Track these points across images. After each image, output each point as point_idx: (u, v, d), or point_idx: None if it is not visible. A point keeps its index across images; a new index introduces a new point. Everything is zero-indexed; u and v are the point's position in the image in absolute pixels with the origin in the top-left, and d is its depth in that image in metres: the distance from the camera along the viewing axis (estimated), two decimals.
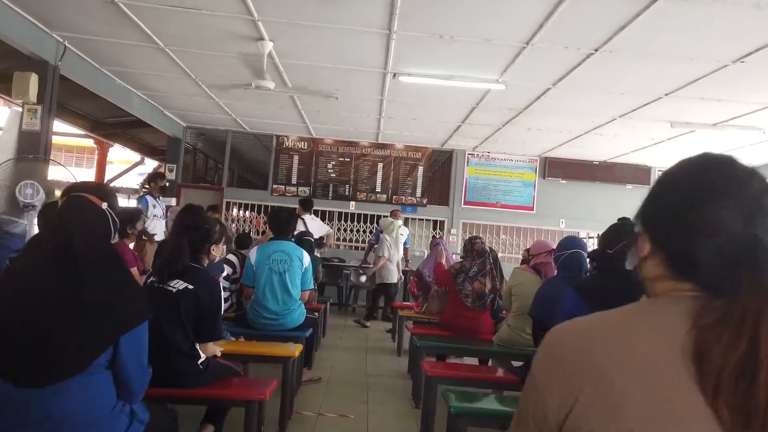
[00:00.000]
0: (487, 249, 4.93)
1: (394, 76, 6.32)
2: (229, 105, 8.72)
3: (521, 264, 4.97)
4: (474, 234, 5.66)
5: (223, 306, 4.75)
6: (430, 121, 8.70)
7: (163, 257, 2.66)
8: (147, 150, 13.68)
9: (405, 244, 9.19)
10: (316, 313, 5.38)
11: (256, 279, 4.17)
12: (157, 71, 7.14)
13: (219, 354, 2.93)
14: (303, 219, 7.50)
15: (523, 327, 4.03)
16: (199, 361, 2.69)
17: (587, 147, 9.72)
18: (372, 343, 7.12)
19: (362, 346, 6.76)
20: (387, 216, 9.36)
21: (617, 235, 2.72)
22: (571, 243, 3.59)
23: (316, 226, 7.99)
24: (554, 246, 4.25)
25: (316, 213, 10.65)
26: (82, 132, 12.12)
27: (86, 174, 16.77)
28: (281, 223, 4.39)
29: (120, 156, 16.71)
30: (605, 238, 2.80)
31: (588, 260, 3.60)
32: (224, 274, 4.65)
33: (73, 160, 20.30)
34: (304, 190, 10.81)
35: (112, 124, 10.91)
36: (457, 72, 6.16)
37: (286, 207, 4.79)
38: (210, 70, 6.83)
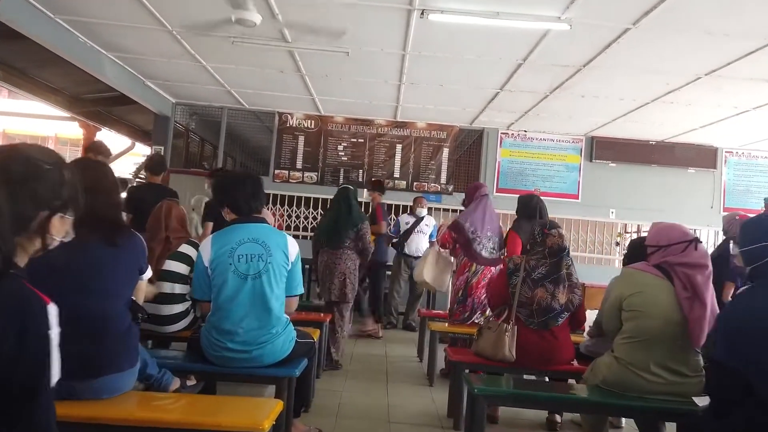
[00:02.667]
0: (566, 246, 3.40)
1: (422, 13, 4.80)
2: (219, 70, 7.26)
3: (626, 261, 3.37)
4: (545, 220, 4.01)
5: (177, 326, 3.29)
6: (462, 89, 7.15)
7: None
8: (139, 134, 12.30)
9: (431, 237, 7.66)
10: (314, 339, 3.25)
11: (213, 288, 2.63)
12: (119, 20, 5.69)
13: None
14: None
15: (644, 361, 2.52)
16: None
17: (646, 122, 8.11)
18: (392, 363, 5.55)
19: (379, 369, 5.18)
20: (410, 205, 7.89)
21: None
22: (764, 229, 2.06)
23: None
24: (690, 232, 2.72)
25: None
26: (64, 114, 10.78)
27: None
28: (247, 195, 2.73)
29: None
30: None
31: None
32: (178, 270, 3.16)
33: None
34: (311, 176, 9.33)
35: (92, 101, 9.51)
36: (506, 6, 4.63)
37: (244, 172, 3.15)
38: (179, 8, 5.36)
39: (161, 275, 3.25)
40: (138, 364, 2.18)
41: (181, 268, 3.29)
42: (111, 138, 14.47)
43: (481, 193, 5.05)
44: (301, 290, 2.80)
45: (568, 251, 3.39)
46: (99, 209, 1.94)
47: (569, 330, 3.32)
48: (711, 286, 2.60)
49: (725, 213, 5.88)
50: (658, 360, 2.53)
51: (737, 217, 5.40)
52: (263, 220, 2.73)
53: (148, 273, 2.34)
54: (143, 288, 2.42)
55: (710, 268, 2.62)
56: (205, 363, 2.68)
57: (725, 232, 5.63)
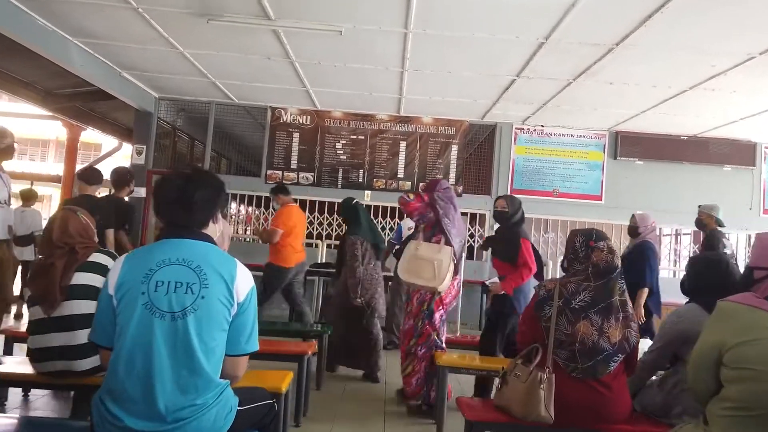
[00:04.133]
0: (617, 264, 2.54)
1: None
2: (199, 58, 6.45)
3: (689, 289, 2.50)
4: (585, 228, 3.00)
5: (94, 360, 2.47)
6: (473, 76, 6.30)
7: None
8: (126, 134, 11.53)
9: None
10: (274, 396, 2.31)
11: (118, 329, 1.76)
12: None
13: None
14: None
15: None
16: None
17: (679, 114, 7.23)
18: (393, 399, 4.39)
19: (376, 411, 4.06)
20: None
21: None
22: None
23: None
24: None
25: (321, 205, 8.37)
26: (44, 112, 10.04)
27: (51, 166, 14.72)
28: (173, 200, 1.86)
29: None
30: None
31: None
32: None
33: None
34: (307, 177, 8.51)
35: (68, 96, 8.74)
36: None
37: (195, 168, 2.27)
38: None
39: (70, 292, 2.47)
40: None
41: (96, 279, 2.49)
42: (96, 137, 13.73)
43: (441, 186, 4.18)
44: (254, 346, 1.88)
45: (621, 271, 2.54)
46: None
47: (625, 377, 2.47)
48: None
49: (637, 212, 5.28)
50: None
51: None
52: (206, 238, 1.87)
53: None
54: None
55: None
56: None
57: (636, 232, 4.98)
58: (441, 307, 4.07)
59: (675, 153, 8.36)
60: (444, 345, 4.10)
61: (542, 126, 8.43)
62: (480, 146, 8.68)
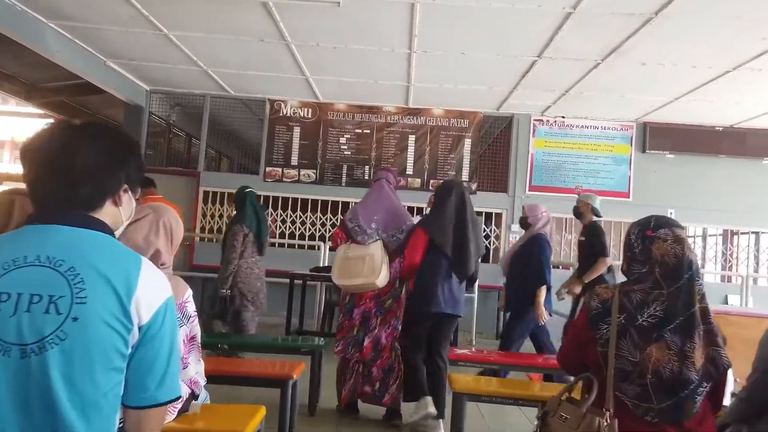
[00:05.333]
0: (692, 258, 1.84)
1: None
2: (186, 41, 5.87)
3: None
4: (650, 215, 2.30)
5: None
6: (489, 57, 5.65)
7: None
8: None
9: None
10: None
11: None
12: None
13: None
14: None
15: None
16: None
17: (717, 101, 6.54)
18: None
19: None
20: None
21: None
22: None
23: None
24: None
25: (324, 204, 7.75)
26: (32, 110, 9.54)
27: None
28: (73, 163, 1.14)
29: None
30: None
31: None
32: None
33: None
34: (308, 174, 7.89)
35: (53, 90, 8.20)
36: None
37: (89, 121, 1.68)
38: None
39: None
40: None
41: None
42: None
43: (375, 177, 4.12)
44: (171, 392, 1.19)
45: (697, 267, 1.87)
46: None
47: (713, 420, 1.80)
48: None
49: (527, 203, 5.22)
50: None
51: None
52: (94, 225, 1.19)
53: None
54: None
55: None
56: None
57: (526, 224, 4.73)
58: (363, 303, 3.76)
59: (709, 145, 7.65)
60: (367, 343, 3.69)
61: (563, 117, 7.75)
62: (495, 140, 8.02)
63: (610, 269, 5.06)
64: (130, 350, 1.12)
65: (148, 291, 1.14)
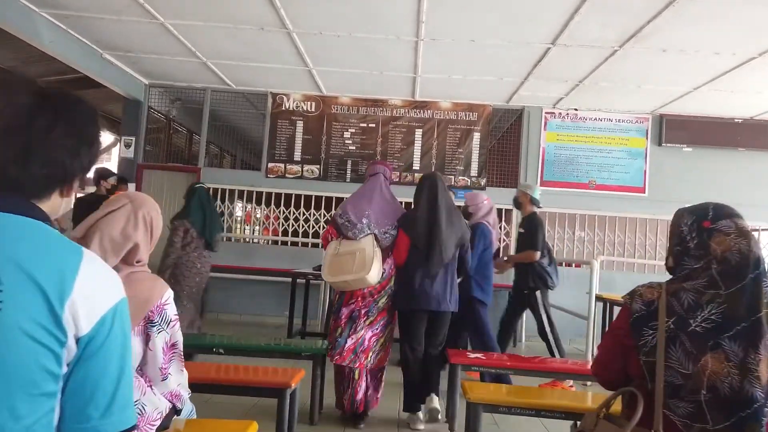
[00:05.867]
0: (759, 255, 1.58)
1: None
2: (183, 30, 5.63)
3: None
4: (706, 203, 2.06)
5: None
6: (500, 45, 5.38)
7: None
8: (119, 128, 10.78)
9: None
10: None
11: None
12: None
13: None
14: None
15: None
16: None
17: (738, 91, 6.25)
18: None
19: None
20: None
21: None
22: None
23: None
24: None
25: (329, 201, 7.51)
26: None
27: None
28: (36, 135, 0.88)
29: None
30: None
31: None
32: None
33: None
34: (312, 170, 7.64)
35: (52, 85, 7.96)
36: None
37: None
38: None
39: None
40: None
41: None
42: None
43: (368, 172, 3.98)
44: (125, 422, 0.91)
45: (765, 267, 1.61)
46: None
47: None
48: None
49: (469, 192, 5.22)
50: None
51: None
52: (30, 212, 0.92)
53: None
54: None
55: None
56: None
57: (467, 213, 4.55)
58: (353, 302, 3.57)
59: (728, 138, 7.35)
60: (348, 344, 3.52)
61: (575, 110, 7.47)
62: (505, 134, 7.74)
63: (552, 261, 4.85)
64: (65, 369, 0.87)
65: (89, 292, 0.89)
